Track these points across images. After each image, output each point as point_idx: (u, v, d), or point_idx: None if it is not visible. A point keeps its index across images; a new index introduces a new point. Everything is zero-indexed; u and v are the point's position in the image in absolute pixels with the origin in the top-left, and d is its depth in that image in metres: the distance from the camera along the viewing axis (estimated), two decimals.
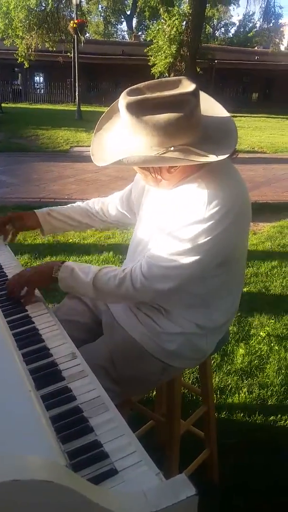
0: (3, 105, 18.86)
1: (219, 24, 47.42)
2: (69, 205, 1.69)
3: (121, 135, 1.19)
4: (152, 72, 19.74)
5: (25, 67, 21.37)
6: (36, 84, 28.30)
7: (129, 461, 0.77)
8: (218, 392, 2.32)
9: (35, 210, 1.65)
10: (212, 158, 1.09)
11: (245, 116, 21.10)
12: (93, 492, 0.57)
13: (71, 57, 19.78)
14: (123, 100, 1.11)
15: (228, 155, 1.10)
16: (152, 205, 1.37)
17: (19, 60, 20.80)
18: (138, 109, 1.08)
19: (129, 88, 1.14)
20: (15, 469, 0.50)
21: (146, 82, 1.15)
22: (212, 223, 1.12)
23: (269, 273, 3.87)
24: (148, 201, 1.42)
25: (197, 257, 1.15)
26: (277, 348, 2.77)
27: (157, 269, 1.19)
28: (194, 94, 1.10)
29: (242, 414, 2.18)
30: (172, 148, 1.09)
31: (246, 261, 1.39)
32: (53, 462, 0.57)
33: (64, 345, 1.10)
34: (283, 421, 2.16)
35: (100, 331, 1.45)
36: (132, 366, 1.31)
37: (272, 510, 1.72)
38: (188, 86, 1.11)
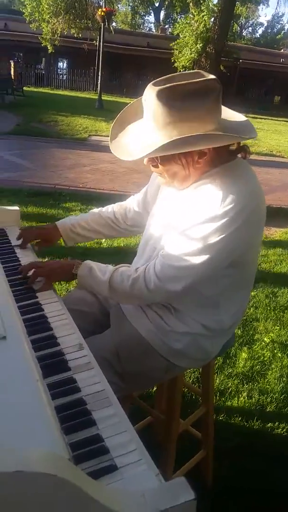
0: (25, 88, 18.87)
1: (247, 24, 46.97)
2: (91, 214, 1.67)
3: (145, 133, 1.18)
4: (175, 66, 19.60)
5: (49, 51, 21.28)
6: (59, 70, 28.27)
7: (130, 459, 0.77)
8: (218, 394, 2.32)
9: (57, 224, 1.64)
10: (246, 137, 1.13)
11: (265, 119, 20.94)
12: (94, 488, 0.57)
13: (96, 45, 19.69)
14: (151, 90, 1.11)
15: (255, 136, 1.15)
16: (165, 202, 1.36)
17: (43, 43, 20.70)
18: (169, 96, 1.08)
19: (154, 80, 1.14)
20: (19, 460, 0.50)
21: (165, 76, 1.16)
22: (226, 220, 1.11)
23: (278, 279, 3.84)
24: (161, 197, 1.41)
25: (209, 256, 1.14)
26: (280, 355, 2.76)
27: (171, 270, 1.19)
28: (218, 82, 1.12)
29: (240, 418, 2.17)
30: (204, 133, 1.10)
31: (257, 264, 1.38)
32: (57, 455, 0.57)
33: (72, 335, 1.10)
34: (280, 429, 2.15)
35: (107, 323, 1.45)
36: (136, 361, 1.31)
37: None
38: (208, 75, 1.13)
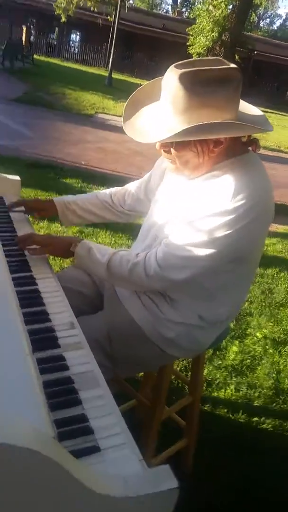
0: (35, 56, 18.53)
1: (265, 14, 46.18)
2: (88, 195, 1.64)
3: (162, 115, 1.14)
4: (189, 51, 19.31)
5: (61, 21, 20.78)
6: (71, 42, 27.77)
7: (113, 442, 0.75)
8: (205, 384, 2.31)
9: (54, 200, 1.60)
10: (264, 129, 1.10)
11: (276, 113, 20.75)
12: (76, 468, 0.56)
13: (111, 21, 19.33)
14: (173, 73, 1.07)
15: (271, 129, 1.13)
16: (172, 190, 1.33)
17: (56, 12, 20.19)
18: (192, 81, 1.05)
19: (176, 63, 1.11)
20: (5, 433, 0.48)
21: (187, 60, 1.13)
22: (235, 216, 1.09)
23: (275, 275, 3.83)
24: (167, 184, 1.38)
25: (214, 250, 1.12)
26: (271, 351, 2.75)
27: (173, 259, 1.17)
28: (239, 71, 1.10)
29: (226, 410, 2.17)
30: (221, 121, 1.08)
31: (259, 261, 1.36)
32: (42, 432, 0.56)
33: (64, 313, 1.08)
34: (266, 424, 2.15)
35: (100, 305, 1.43)
36: (127, 346, 1.29)
37: (238, 507, 1.72)
38: (230, 64, 1.10)
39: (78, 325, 1.05)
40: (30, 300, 1.08)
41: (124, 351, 1.29)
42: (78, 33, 27.49)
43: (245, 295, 1.40)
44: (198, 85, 1.05)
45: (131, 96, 1.27)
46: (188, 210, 1.18)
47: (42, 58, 21.50)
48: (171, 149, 1.16)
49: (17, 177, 1.76)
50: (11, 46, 15.19)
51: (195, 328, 1.29)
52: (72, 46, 27.39)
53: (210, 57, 1.15)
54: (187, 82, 1.05)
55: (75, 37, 28.04)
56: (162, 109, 1.14)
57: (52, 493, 0.56)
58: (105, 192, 1.64)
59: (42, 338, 0.96)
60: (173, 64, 1.10)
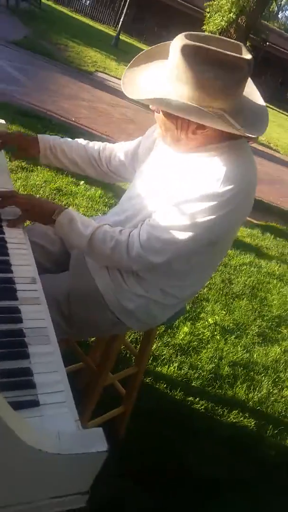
0: (43, 0, 17.66)
1: (286, 6, 45.39)
2: (74, 142, 1.57)
3: (159, 77, 1.14)
4: (203, 28, 18.84)
5: None
6: None
7: (54, 399, 0.77)
8: (151, 358, 2.38)
9: (38, 137, 1.52)
10: (242, 132, 1.06)
11: (274, 109, 20.72)
12: (11, 418, 0.57)
13: None
14: (179, 41, 1.05)
15: (257, 136, 1.09)
16: (159, 164, 1.32)
17: None
18: (193, 55, 1.02)
19: (189, 32, 1.08)
20: None
21: (207, 33, 1.10)
22: (221, 201, 1.09)
23: (238, 267, 3.92)
24: (155, 157, 1.36)
25: (195, 233, 1.13)
26: (218, 338, 2.85)
27: (156, 242, 1.17)
28: (249, 64, 1.06)
29: (165, 385, 2.25)
30: (210, 109, 1.06)
31: (229, 249, 1.40)
32: None
33: (27, 267, 1.08)
34: (199, 405, 2.25)
35: (65, 264, 1.43)
36: (85, 310, 1.30)
37: (161, 481, 1.81)
38: (246, 54, 1.07)
39: (39, 281, 1.05)
40: None
41: (80, 314, 1.31)
42: None
43: (207, 279, 1.44)
44: (197, 62, 1.02)
45: (148, 49, 1.24)
46: (174, 188, 1.18)
47: (51, 3, 20.48)
48: (160, 112, 1.16)
49: (2, 121, 1.71)
50: None
51: (154, 303, 1.32)
52: None
53: (231, 40, 1.10)
54: (188, 55, 1.03)
55: None
56: (162, 69, 1.14)
57: None
58: (94, 145, 1.58)
59: (0, 288, 0.96)
60: (187, 32, 1.08)
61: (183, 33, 1.07)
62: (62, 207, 1.28)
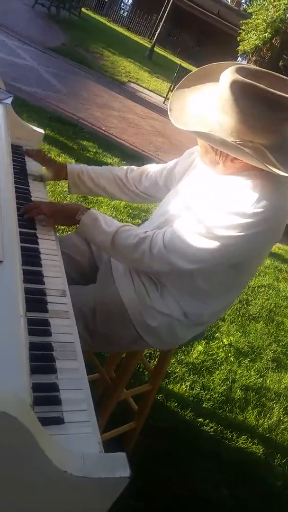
0: (83, 10, 18.00)
1: None
2: (103, 169, 1.60)
3: (208, 104, 1.16)
4: (238, 48, 18.91)
5: None
6: (122, 4, 27.04)
7: (78, 417, 0.77)
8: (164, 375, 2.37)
9: (67, 166, 1.57)
10: (280, 171, 1.06)
11: None
12: (43, 438, 0.58)
13: None
14: (230, 75, 1.06)
15: None
16: (196, 183, 1.33)
17: None
18: (241, 91, 1.04)
19: (239, 65, 1.09)
20: None
21: (256, 67, 1.12)
22: (251, 221, 1.09)
23: (256, 289, 3.89)
24: (192, 176, 1.38)
25: (221, 247, 1.13)
26: (232, 359, 2.82)
27: (179, 243, 1.18)
28: None
29: (176, 404, 2.24)
30: (250, 144, 1.07)
31: (254, 274, 1.39)
32: (22, 399, 0.57)
33: (58, 279, 1.09)
34: (209, 427, 2.22)
35: (92, 277, 1.44)
36: (110, 324, 1.31)
37: (164, 500, 1.80)
38: None
39: (69, 294, 1.06)
40: (29, 258, 1.08)
41: (105, 328, 1.31)
42: None
43: (228, 304, 1.44)
44: (244, 99, 1.04)
45: (200, 68, 1.26)
46: (206, 201, 1.20)
47: (90, 13, 20.88)
48: None
49: (41, 131, 1.75)
50: None
51: (178, 323, 1.32)
52: (123, 9, 26.66)
53: (282, 76, 1.11)
54: (236, 91, 1.04)
55: (127, 0, 27.28)
56: (210, 96, 1.15)
57: (11, 457, 0.57)
58: (122, 168, 1.61)
59: (32, 299, 0.97)
60: (237, 65, 1.09)
61: (235, 66, 1.08)
62: (85, 208, 1.31)
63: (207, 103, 1.16)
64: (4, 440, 0.55)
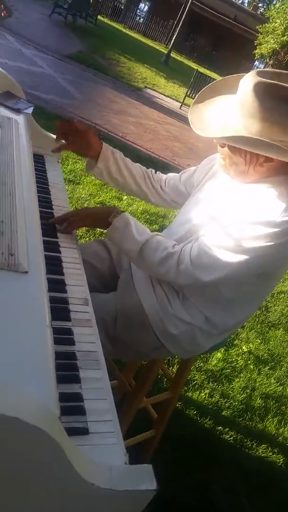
0: (99, 17, 18.19)
1: None
2: (135, 164, 1.58)
3: (226, 112, 1.16)
4: (254, 52, 18.88)
5: None
6: (138, 11, 27.21)
7: (103, 428, 0.77)
8: None
9: (103, 145, 1.51)
10: None
11: None
12: (72, 452, 0.58)
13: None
14: (252, 78, 1.07)
15: None
16: (218, 193, 1.32)
17: None
18: (266, 92, 1.04)
19: (259, 69, 1.10)
20: (18, 407, 0.50)
21: (276, 70, 1.12)
22: (280, 230, 1.08)
23: (276, 295, 3.85)
24: (212, 186, 1.37)
25: (248, 258, 1.12)
26: (252, 367, 2.79)
27: (206, 258, 1.16)
28: None
29: (195, 412, 2.22)
30: (281, 142, 1.06)
31: (279, 282, 1.37)
32: (51, 412, 0.57)
33: (80, 288, 1.09)
34: (228, 435, 2.20)
35: (113, 284, 1.44)
36: (131, 331, 1.31)
37: (182, 508, 1.78)
38: None
39: (91, 302, 1.06)
40: (51, 266, 1.08)
41: (126, 336, 1.31)
42: (147, 3, 26.98)
43: (252, 313, 1.42)
44: (270, 98, 1.04)
45: (213, 83, 1.27)
46: (231, 212, 1.18)
47: (106, 20, 21.06)
48: (226, 146, 1.18)
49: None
50: (78, 2, 14.84)
51: (199, 331, 1.31)
52: (138, 15, 26.81)
53: None
54: (260, 92, 1.05)
55: (143, 6, 27.58)
56: (230, 105, 1.15)
57: (39, 469, 0.58)
58: (152, 170, 1.61)
59: (55, 308, 0.96)
60: (258, 70, 1.10)
61: (254, 71, 1.10)
62: (119, 210, 1.28)
63: (226, 112, 1.16)
64: (34, 453, 0.55)
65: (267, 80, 1.05)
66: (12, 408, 0.49)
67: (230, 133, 1.10)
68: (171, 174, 1.60)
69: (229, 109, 1.15)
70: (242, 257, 1.12)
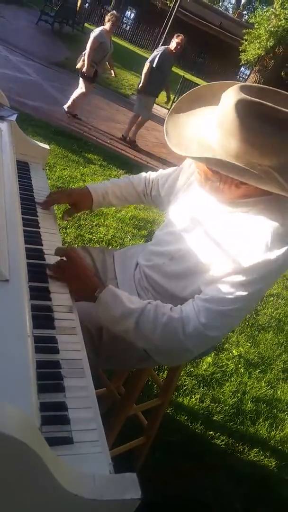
0: (86, 25, 18.24)
1: None
2: (121, 181, 1.57)
3: (206, 127, 1.10)
4: (239, 57, 19.02)
5: None
6: (125, 18, 27.30)
7: (87, 437, 0.76)
8: None
9: (89, 189, 1.51)
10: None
11: None
12: (52, 461, 0.57)
13: (169, 6, 19.06)
14: (234, 94, 1.00)
15: None
16: (202, 206, 1.27)
17: None
18: (247, 111, 0.98)
19: (241, 84, 1.04)
20: None
21: (261, 86, 1.05)
22: (276, 266, 1.06)
23: (265, 298, 3.86)
24: (193, 198, 1.32)
25: (252, 299, 1.11)
26: (242, 371, 2.79)
27: (216, 317, 1.10)
28: None
29: (186, 417, 2.21)
30: (258, 167, 1.01)
31: None
32: (31, 423, 0.56)
33: (65, 295, 1.08)
34: (220, 440, 2.19)
35: None
36: (116, 342, 1.28)
37: None
38: None
39: (76, 310, 1.05)
40: (35, 274, 1.07)
41: (111, 347, 1.29)
42: (134, 11, 27.09)
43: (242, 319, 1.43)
44: (251, 118, 0.98)
45: (192, 90, 1.21)
46: (222, 247, 1.15)
47: (93, 27, 21.03)
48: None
49: (47, 147, 1.76)
50: (64, 9, 14.88)
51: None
52: (125, 23, 26.88)
53: (286, 92, 1.05)
54: (242, 111, 0.98)
55: (129, 14, 27.63)
56: (210, 120, 1.09)
57: (21, 481, 0.57)
58: (140, 180, 1.58)
59: (40, 316, 0.96)
60: (240, 84, 1.03)
61: (238, 85, 1.03)
62: (103, 284, 1.19)
63: (205, 127, 1.11)
64: (13, 465, 0.54)
65: (250, 98, 0.98)
66: None
67: (206, 153, 1.05)
68: (159, 179, 1.56)
69: (209, 124, 1.10)
70: (247, 301, 1.10)
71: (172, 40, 6.29)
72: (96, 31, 6.12)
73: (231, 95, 1.01)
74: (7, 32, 10.24)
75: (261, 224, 1.09)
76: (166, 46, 6.39)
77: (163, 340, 1.15)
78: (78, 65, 6.20)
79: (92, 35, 6.06)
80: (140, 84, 6.21)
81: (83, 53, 6.18)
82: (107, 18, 6.31)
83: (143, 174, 1.62)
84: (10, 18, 12.42)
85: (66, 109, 6.45)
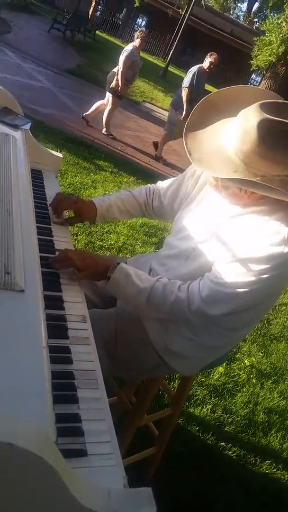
0: (97, 32, 18.43)
1: None
2: (124, 195, 1.57)
3: (227, 141, 1.13)
4: (251, 63, 19.04)
5: (135, 5, 20.68)
6: (136, 26, 27.52)
7: (101, 449, 0.75)
8: None
9: (94, 202, 1.51)
10: None
11: None
12: (68, 475, 0.56)
13: (181, 14, 19.17)
14: (256, 113, 1.05)
15: None
16: (215, 211, 1.28)
17: None
18: (268, 130, 1.03)
19: (261, 102, 1.08)
20: (13, 432, 0.48)
21: (278, 101, 1.09)
22: (281, 261, 1.07)
23: (277, 307, 3.82)
24: (209, 202, 1.32)
25: (257, 289, 1.10)
26: (254, 381, 2.76)
27: (218, 294, 1.13)
28: None
29: (197, 428, 2.19)
30: (277, 178, 1.05)
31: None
32: (47, 437, 0.55)
33: (78, 304, 1.08)
34: (231, 451, 2.16)
35: (112, 300, 1.42)
36: (131, 349, 1.29)
37: None
38: None
39: (89, 320, 1.05)
40: (49, 283, 1.07)
41: (126, 354, 1.29)
42: (145, 19, 27.31)
43: (254, 326, 1.42)
44: (273, 137, 1.03)
45: (206, 98, 1.23)
46: (235, 242, 1.16)
47: (104, 35, 21.31)
48: None
49: (60, 155, 1.76)
50: (76, 18, 15.04)
51: (201, 346, 1.29)
52: (136, 30, 27.12)
53: None
54: (264, 130, 1.03)
55: (141, 21, 27.88)
56: (229, 136, 1.12)
57: (36, 495, 0.56)
58: (141, 193, 1.59)
59: (53, 325, 0.95)
60: (262, 101, 1.07)
61: (258, 103, 1.07)
62: (115, 263, 1.23)
63: (225, 141, 1.13)
64: (29, 479, 0.53)
65: (272, 118, 1.03)
66: (5, 433, 0.48)
67: (227, 167, 1.08)
68: (160, 190, 1.57)
69: (230, 141, 1.12)
70: (251, 288, 1.10)
71: (206, 58, 6.29)
72: (127, 49, 6.22)
73: (253, 114, 1.05)
74: (20, 40, 10.37)
75: (275, 220, 1.11)
76: (200, 65, 6.35)
77: (169, 315, 1.23)
78: (113, 84, 6.30)
79: (124, 54, 6.16)
80: (184, 113, 6.14)
81: (115, 70, 6.29)
82: (136, 34, 6.42)
83: (143, 187, 1.63)
84: (23, 26, 12.60)
85: (104, 132, 6.60)
